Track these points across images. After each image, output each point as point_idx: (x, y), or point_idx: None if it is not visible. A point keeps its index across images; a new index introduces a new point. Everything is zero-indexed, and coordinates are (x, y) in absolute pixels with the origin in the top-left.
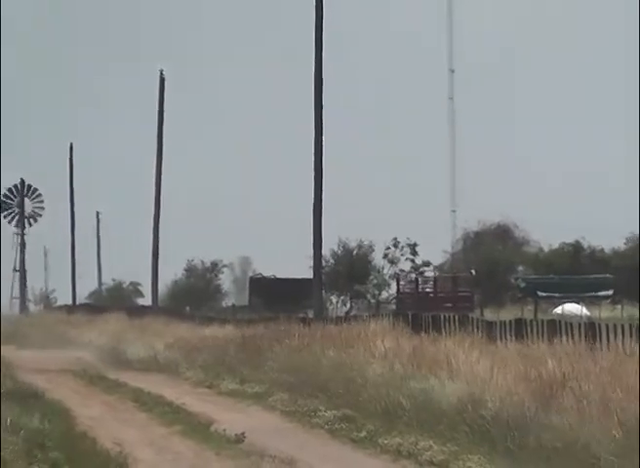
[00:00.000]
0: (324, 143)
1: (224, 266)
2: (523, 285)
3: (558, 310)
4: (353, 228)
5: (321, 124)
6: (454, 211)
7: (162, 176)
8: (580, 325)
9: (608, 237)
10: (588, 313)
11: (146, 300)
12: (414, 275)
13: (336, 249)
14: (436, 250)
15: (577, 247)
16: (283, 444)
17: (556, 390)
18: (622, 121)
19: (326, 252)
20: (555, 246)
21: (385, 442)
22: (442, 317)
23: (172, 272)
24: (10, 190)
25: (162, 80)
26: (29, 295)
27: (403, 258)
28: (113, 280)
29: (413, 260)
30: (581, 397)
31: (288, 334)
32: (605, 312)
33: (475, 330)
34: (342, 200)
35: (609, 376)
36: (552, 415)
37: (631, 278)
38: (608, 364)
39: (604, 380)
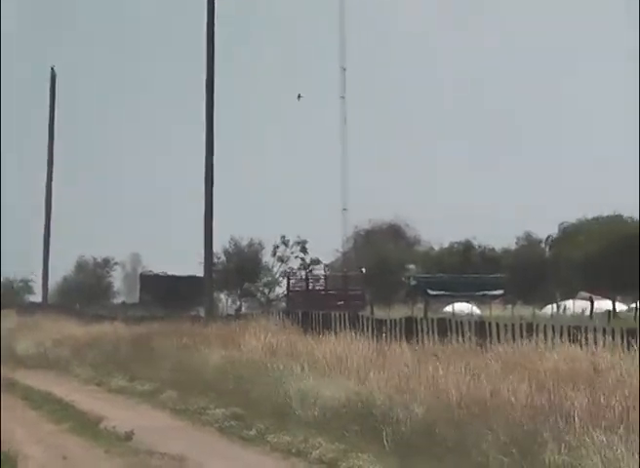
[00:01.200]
0: (215, 140)
1: (116, 263)
2: (413, 283)
3: (449, 309)
4: (244, 226)
5: (212, 121)
6: (345, 209)
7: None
8: (470, 323)
9: (499, 237)
10: (479, 312)
11: (37, 297)
12: (304, 273)
13: (227, 246)
14: (327, 248)
15: (467, 246)
16: (172, 441)
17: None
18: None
19: (217, 249)
20: (445, 245)
21: (275, 440)
22: (332, 315)
23: (63, 269)
24: None
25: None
26: None
27: (293, 257)
28: (4, 277)
29: (303, 259)
30: (472, 395)
31: (178, 332)
32: (495, 311)
33: (366, 328)
34: (234, 197)
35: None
36: (441, 414)
37: (522, 277)
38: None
39: (495, 378)
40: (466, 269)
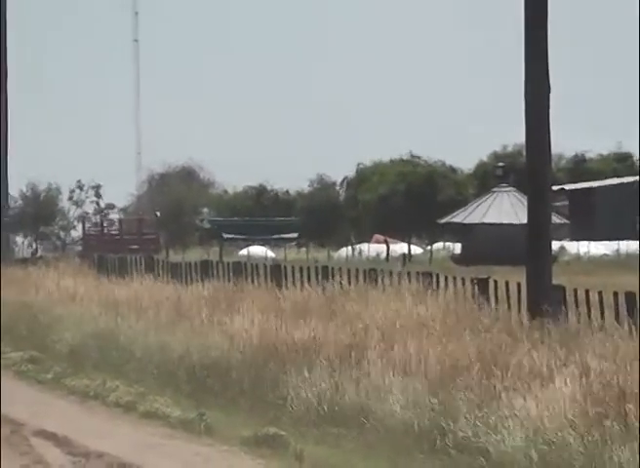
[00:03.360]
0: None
1: None
2: (208, 226)
3: (244, 252)
4: (41, 170)
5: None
6: (139, 153)
7: None
8: (265, 266)
9: (291, 180)
10: (273, 255)
11: None
12: (99, 217)
13: (24, 190)
14: (122, 192)
15: (260, 190)
16: None
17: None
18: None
19: (15, 193)
20: (239, 189)
21: (73, 383)
22: (128, 259)
23: None
24: None
25: None
26: None
27: (88, 201)
28: None
29: (97, 203)
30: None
31: None
32: (290, 255)
33: (161, 271)
34: (29, 140)
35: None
36: (239, 358)
37: (316, 220)
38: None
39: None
40: (260, 213)
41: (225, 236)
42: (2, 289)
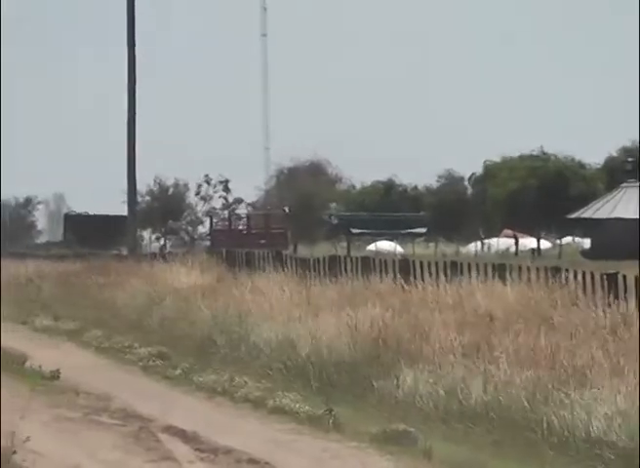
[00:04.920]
0: (137, 80)
1: (39, 203)
2: (336, 221)
3: (372, 247)
4: (168, 166)
5: (134, 59)
6: (267, 148)
7: None
8: (394, 262)
9: (420, 175)
10: (402, 250)
11: None
12: (227, 212)
13: (152, 185)
14: (249, 187)
15: (388, 184)
16: (98, 380)
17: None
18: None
19: (142, 188)
20: (367, 184)
21: (200, 379)
22: (256, 254)
23: None
24: None
25: None
26: None
27: (216, 196)
28: None
29: (225, 198)
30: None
31: (102, 271)
32: (418, 250)
33: (289, 267)
34: (157, 137)
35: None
36: (366, 354)
37: (445, 215)
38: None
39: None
40: (389, 208)
41: (353, 231)
42: (130, 283)
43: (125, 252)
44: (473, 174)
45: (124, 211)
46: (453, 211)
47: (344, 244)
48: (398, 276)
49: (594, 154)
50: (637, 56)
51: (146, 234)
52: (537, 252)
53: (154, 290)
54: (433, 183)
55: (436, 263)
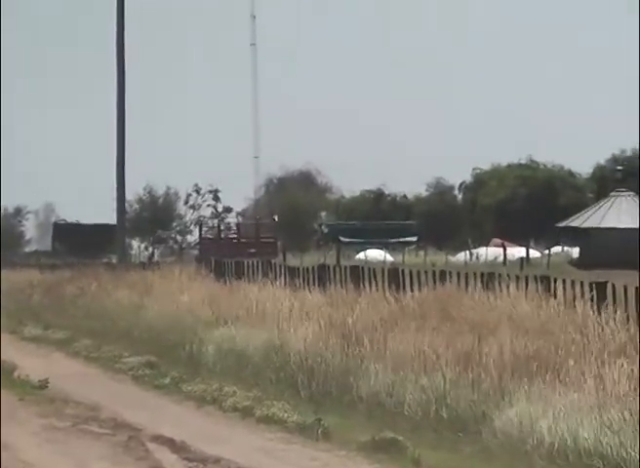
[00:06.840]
0: (126, 87)
1: (29, 212)
2: (325, 230)
3: (361, 256)
4: (158, 175)
5: (123, 68)
6: (257, 157)
7: None
8: (383, 270)
9: (409, 184)
10: (392, 259)
11: None
12: (216, 221)
13: (141, 194)
14: (239, 196)
15: (378, 194)
16: (87, 390)
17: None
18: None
19: (132, 197)
20: (357, 193)
21: (189, 388)
22: (245, 263)
23: None
24: None
25: None
26: None
27: (205, 205)
28: None
29: (215, 207)
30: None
31: (91, 280)
32: (409, 258)
33: (279, 276)
34: (147, 146)
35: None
36: (355, 362)
37: (434, 224)
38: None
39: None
40: (378, 216)
41: (343, 240)
42: (119, 293)
43: (114, 260)
44: (463, 182)
45: (113, 219)
46: (442, 219)
47: (334, 253)
48: (387, 284)
49: (583, 163)
50: (629, 65)
51: (135, 243)
52: (525, 261)
53: (143, 299)
54: (423, 192)
55: (425, 272)
